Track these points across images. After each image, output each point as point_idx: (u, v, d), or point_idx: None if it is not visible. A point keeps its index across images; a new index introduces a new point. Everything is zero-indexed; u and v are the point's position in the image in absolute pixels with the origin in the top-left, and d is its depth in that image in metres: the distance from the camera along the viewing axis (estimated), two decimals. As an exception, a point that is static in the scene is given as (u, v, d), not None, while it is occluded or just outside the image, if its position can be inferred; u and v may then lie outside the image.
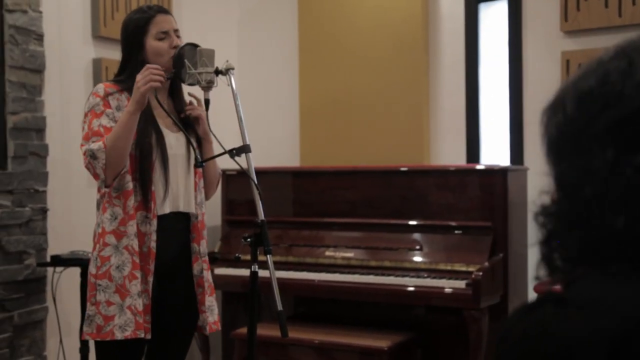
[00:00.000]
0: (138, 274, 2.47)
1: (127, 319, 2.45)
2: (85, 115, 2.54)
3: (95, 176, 2.45)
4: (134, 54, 2.58)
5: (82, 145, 2.47)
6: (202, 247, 2.65)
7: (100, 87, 2.55)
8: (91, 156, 2.41)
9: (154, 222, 2.50)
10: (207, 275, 2.66)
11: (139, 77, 2.40)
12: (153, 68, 2.42)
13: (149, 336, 2.49)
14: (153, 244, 2.50)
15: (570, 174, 0.83)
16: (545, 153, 0.89)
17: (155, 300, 2.53)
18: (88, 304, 2.52)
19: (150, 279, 2.49)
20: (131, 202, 2.48)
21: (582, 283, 0.81)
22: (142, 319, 2.46)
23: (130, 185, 2.48)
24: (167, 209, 2.55)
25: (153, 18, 2.57)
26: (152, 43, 2.56)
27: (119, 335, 2.45)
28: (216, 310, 2.69)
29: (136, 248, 2.47)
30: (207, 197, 2.76)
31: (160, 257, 2.54)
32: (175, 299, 2.61)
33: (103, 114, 2.49)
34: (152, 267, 2.50)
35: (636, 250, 0.78)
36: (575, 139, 0.84)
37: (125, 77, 2.58)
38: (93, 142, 2.44)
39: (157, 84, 2.41)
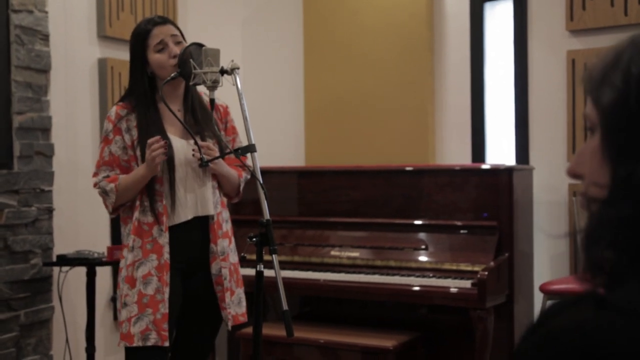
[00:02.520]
0: (125, 288, 2.59)
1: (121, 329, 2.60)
2: (101, 140, 2.70)
3: (105, 207, 2.66)
4: (139, 68, 2.66)
5: (95, 173, 2.66)
6: (220, 246, 2.69)
7: (113, 111, 2.66)
8: (103, 192, 2.62)
9: (166, 234, 2.58)
10: (226, 272, 2.69)
11: (147, 154, 2.50)
12: (155, 142, 2.49)
13: (167, 344, 2.57)
14: (167, 256, 2.58)
15: None
16: (603, 138, 0.77)
17: (177, 302, 2.62)
18: None
19: (167, 289, 2.57)
20: (135, 218, 2.59)
21: (626, 287, 0.74)
22: (122, 329, 2.58)
23: (136, 203, 2.60)
24: (183, 217, 2.62)
25: (150, 32, 2.64)
26: (153, 57, 2.64)
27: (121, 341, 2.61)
28: (244, 302, 2.75)
29: (128, 262, 2.59)
30: (229, 200, 2.84)
31: (179, 260, 2.62)
32: (196, 301, 2.70)
33: (113, 141, 2.64)
34: (167, 277, 2.57)
35: None
36: None
37: (132, 91, 2.67)
38: (104, 176, 2.62)
39: (165, 157, 2.52)
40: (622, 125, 0.75)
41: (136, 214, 2.58)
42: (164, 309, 2.56)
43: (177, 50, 2.60)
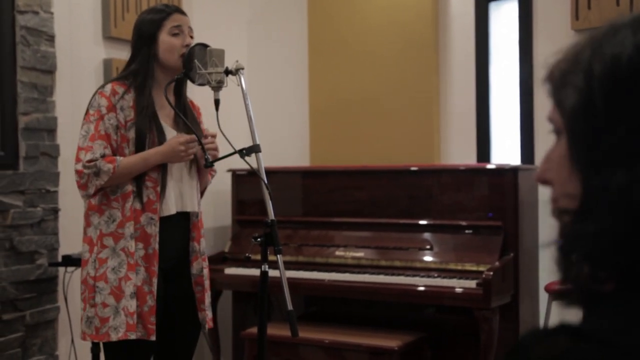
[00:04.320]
0: (132, 276, 2.48)
1: (121, 321, 2.46)
2: (88, 114, 2.56)
3: (83, 187, 2.50)
4: (145, 46, 2.58)
5: (89, 147, 2.49)
6: (202, 245, 2.67)
7: (108, 88, 2.57)
8: (94, 173, 2.45)
9: (157, 223, 2.53)
10: (206, 272, 2.68)
11: (183, 147, 2.47)
12: (192, 141, 2.50)
13: (153, 338, 2.50)
14: (157, 245, 2.52)
15: (603, 189, 0.68)
16: (570, 146, 0.71)
17: (161, 300, 2.55)
18: (87, 305, 2.53)
19: (155, 280, 2.51)
20: (129, 204, 2.50)
21: (602, 312, 0.70)
22: (133, 320, 2.46)
23: (129, 188, 2.51)
24: (173, 210, 2.58)
25: (171, 15, 2.60)
26: (165, 38, 2.58)
27: (113, 337, 2.47)
28: (210, 307, 2.72)
29: (132, 249, 2.49)
30: None
31: (164, 258, 2.56)
32: (178, 299, 2.64)
33: (105, 118, 2.52)
34: (156, 268, 2.52)
35: None
36: (617, 142, 0.66)
37: (132, 71, 2.59)
38: (101, 154, 2.46)
39: (191, 157, 2.53)
40: (589, 131, 0.70)
41: (130, 200, 2.51)
42: (152, 301, 2.49)
43: (190, 41, 2.58)
